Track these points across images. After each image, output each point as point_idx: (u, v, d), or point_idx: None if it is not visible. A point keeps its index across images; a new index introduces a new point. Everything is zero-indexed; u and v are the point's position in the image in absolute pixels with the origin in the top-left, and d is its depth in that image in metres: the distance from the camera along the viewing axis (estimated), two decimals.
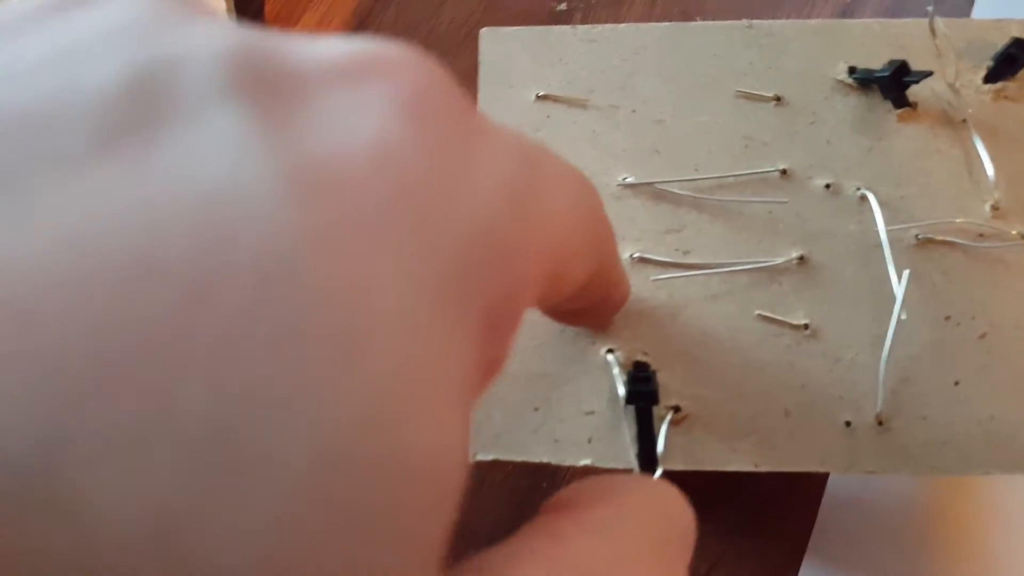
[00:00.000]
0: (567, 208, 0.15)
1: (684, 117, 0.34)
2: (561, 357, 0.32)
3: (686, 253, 0.33)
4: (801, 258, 0.33)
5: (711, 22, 0.37)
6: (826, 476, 0.38)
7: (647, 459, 0.31)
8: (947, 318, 0.32)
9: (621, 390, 0.31)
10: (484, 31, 0.37)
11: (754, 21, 0.36)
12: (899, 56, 0.34)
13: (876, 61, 0.35)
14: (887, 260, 0.31)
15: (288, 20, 0.50)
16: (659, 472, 0.31)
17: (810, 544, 0.37)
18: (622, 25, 0.36)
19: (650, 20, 0.50)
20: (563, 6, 0.51)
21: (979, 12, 0.48)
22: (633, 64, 0.35)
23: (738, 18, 0.36)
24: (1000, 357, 0.31)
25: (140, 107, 0.09)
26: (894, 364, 0.31)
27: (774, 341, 0.32)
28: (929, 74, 0.33)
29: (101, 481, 0.08)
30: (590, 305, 0.20)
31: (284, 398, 0.09)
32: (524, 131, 0.35)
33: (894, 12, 0.49)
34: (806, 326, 0.32)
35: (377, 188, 0.10)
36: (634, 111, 0.35)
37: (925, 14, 0.35)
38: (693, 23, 0.37)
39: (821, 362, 0.31)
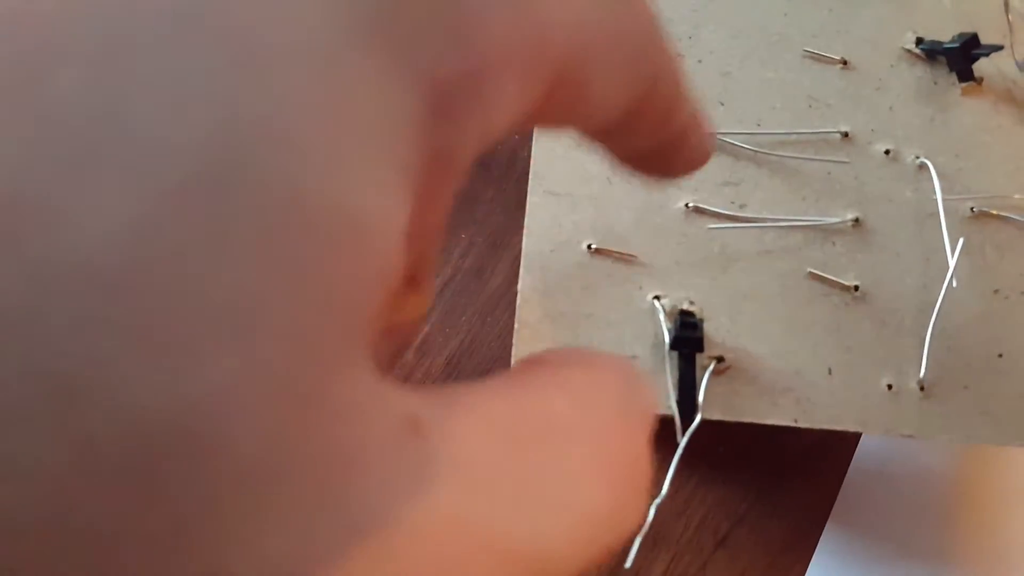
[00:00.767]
0: None
1: (750, 72, 0.34)
2: (607, 300, 0.32)
3: (742, 207, 0.33)
4: (856, 220, 0.33)
5: None
6: (853, 446, 0.38)
7: (687, 406, 0.31)
8: (996, 291, 0.32)
9: (666, 336, 0.31)
10: None
11: None
12: (967, 31, 0.34)
13: (944, 34, 0.34)
14: (942, 229, 0.31)
15: None
16: (697, 420, 0.31)
17: (833, 511, 0.37)
18: None
19: None
20: None
21: None
22: (703, 14, 0.35)
23: None
24: None
25: None
26: (940, 332, 0.31)
27: (823, 300, 0.32)
28: (999, 48, 0.33)
29: None
30: (655, 146, 0.16)
31: (173, 86, 0.08)
32: None
33: None
34: (856, 288, 0.32)
35: None
36: (700, 61, 0.34)
37: None
38: None
39: (868, 325, 0.32)
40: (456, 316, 0.42)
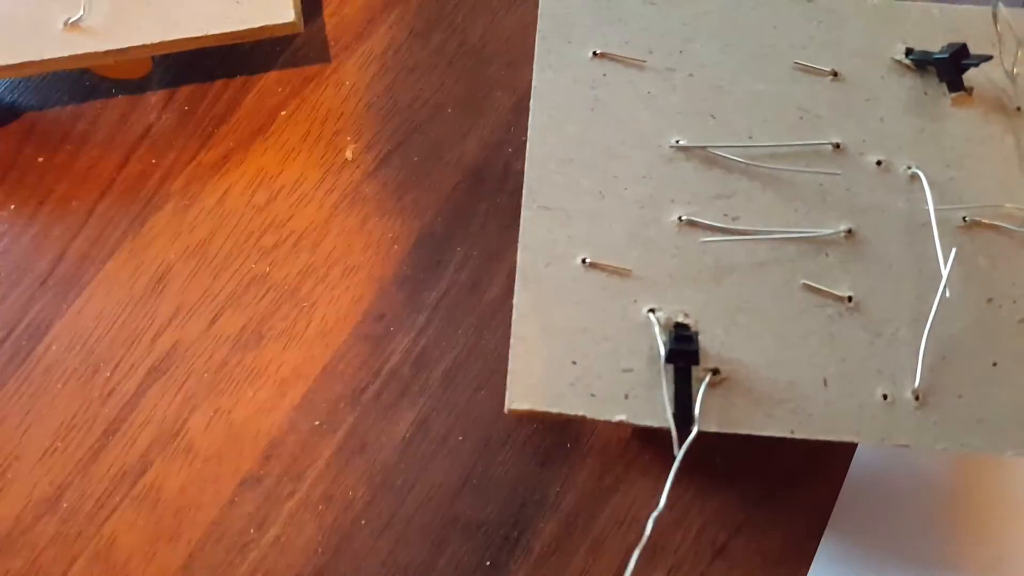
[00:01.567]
0: None
1: (741, 84, 0.35)
2: (602, 314, 0.32)
3: (735, 219, 0.33)
4: (849, 231, 0.33)
5: None
6: (850, 455, 0.38)
7: (683, 419, 0.31)
8: (989, 300, 0.32)
9: (662, 349, 0.31)
10: None
11: None
12: (956, 41, 0.34)
13: (934, 45, 0.35)
14: (935, 239, 0.32)
15: None
16: (694, 432, 0.31)
17: (830, 521, 0.37)
18: None
19: None
20: None
21: None
22: (693, 29, 0.35)
23: None
24: None
25: None
26: (934, 342, 0.31)
27: (817, 312, 0.32)
28: (989, 58, 0.33)
29: None
30: None
31: None
32: (579, 87, 0.35)
33: None
34: (850, 298, 0.32)
35: None
36: (691, 75, 0.35)
37: (986, 2, 0.35)
38: None
39: (862, 335, 0.32)
40: (452, 329, 0.42)
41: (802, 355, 0.32)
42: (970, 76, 0.34)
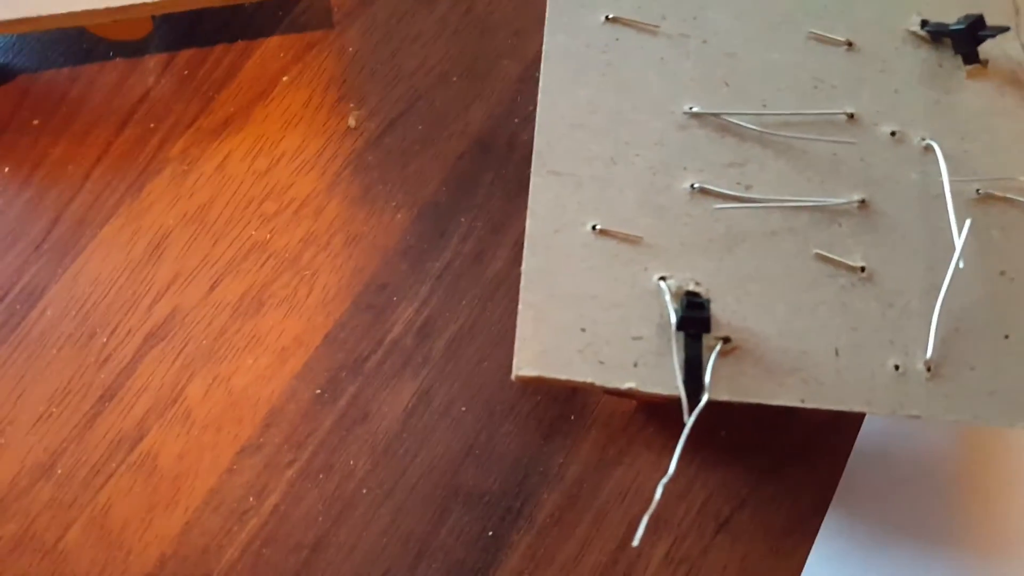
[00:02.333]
0: None
1: (755, 53, 0.34)
2: (612, 281, 0.32)
3: (748, 187, 0.33)
4: (862, 201, 0.32)
5: None
6: (855, 430, 0.38)
7: (693, 387, 0.31)
8: (1002, 273, 0.32)
9: (672, 316, 0.31)
10: None
11: None
12: (973, 13, 0.34)
13: (950, 16, 0.34)
14: (948, 210, 0.31)
15: None
16: (704, 400, 0.31)
17: (835, 495, 0.37)
18: None
19: None
20: None
21: None
22: None
23: None
24: None
25: None
26: (947, 313, 0.31)
27: (829, 281, 0.32)
28: (1006, 29, 0.33)
29: None
30: None
31: None
32: (591, 52, 0.34)
33: None
34: (862, 269, 0.32)
35: None
36: (705, 42, 0.34)
37: None
38: None
39: (874, 305, 0.31)
40: (456, 300, 0.41)
41: (814, 325, 0.31)
42: (985, 49, 0.34)
